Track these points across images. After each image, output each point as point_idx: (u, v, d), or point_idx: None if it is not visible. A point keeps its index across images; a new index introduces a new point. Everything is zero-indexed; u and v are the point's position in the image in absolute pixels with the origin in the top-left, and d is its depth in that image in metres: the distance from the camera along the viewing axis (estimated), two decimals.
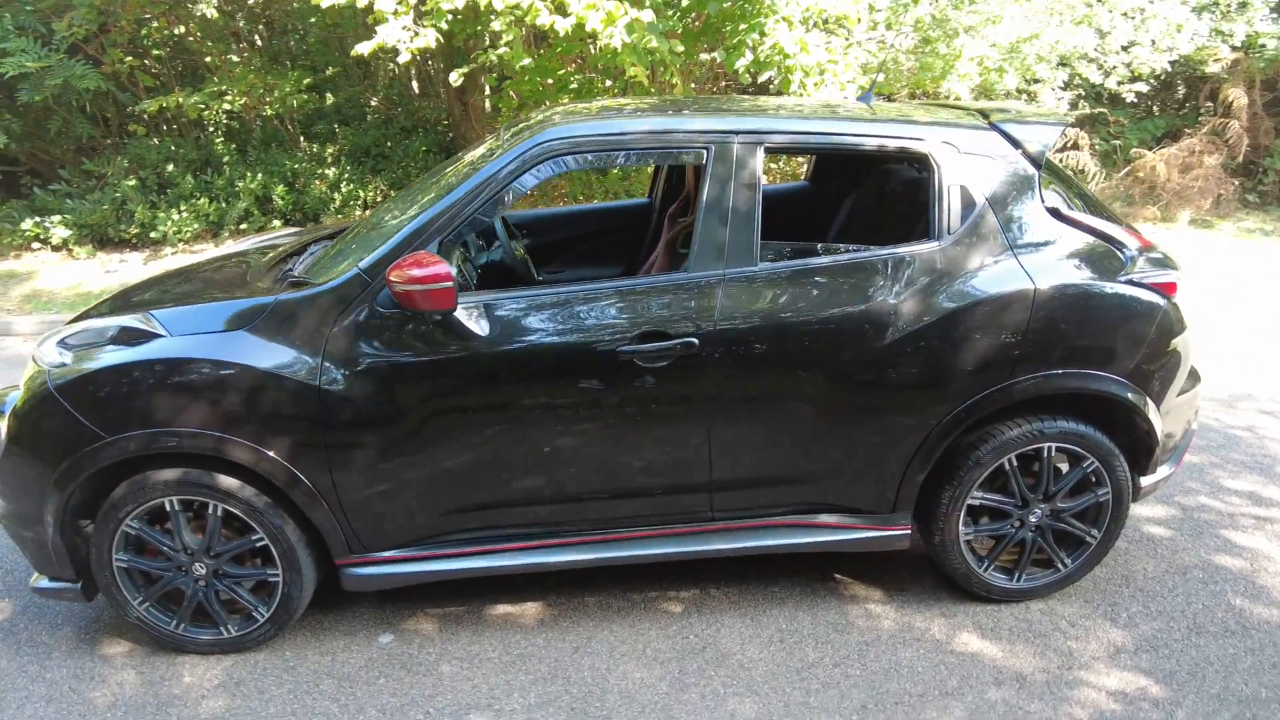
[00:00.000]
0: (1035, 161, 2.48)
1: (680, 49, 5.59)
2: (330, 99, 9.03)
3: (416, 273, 2.15)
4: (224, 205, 7.47)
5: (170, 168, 7.49)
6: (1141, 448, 2.62)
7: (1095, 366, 2.43)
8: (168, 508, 2.40)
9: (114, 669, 2.52)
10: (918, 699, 2.34)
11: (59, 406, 2.29)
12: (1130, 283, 2.44)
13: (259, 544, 2.44)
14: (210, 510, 2.40)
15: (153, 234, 7.18)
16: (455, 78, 5.86)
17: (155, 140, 7.81)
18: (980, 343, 2.39)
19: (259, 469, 2.34)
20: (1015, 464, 2.55)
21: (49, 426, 2.31)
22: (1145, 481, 2.69)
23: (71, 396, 2.29)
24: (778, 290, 2.39)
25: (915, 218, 2.57)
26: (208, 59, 7.67)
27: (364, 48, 5.17)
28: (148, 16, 7.25)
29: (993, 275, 2.40)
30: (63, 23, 6.49)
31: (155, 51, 8.24)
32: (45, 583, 2.50)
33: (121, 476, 2.40)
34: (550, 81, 7.39)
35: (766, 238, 2.42)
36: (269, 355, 2.31)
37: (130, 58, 7.16)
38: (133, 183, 7.25)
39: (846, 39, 5.99)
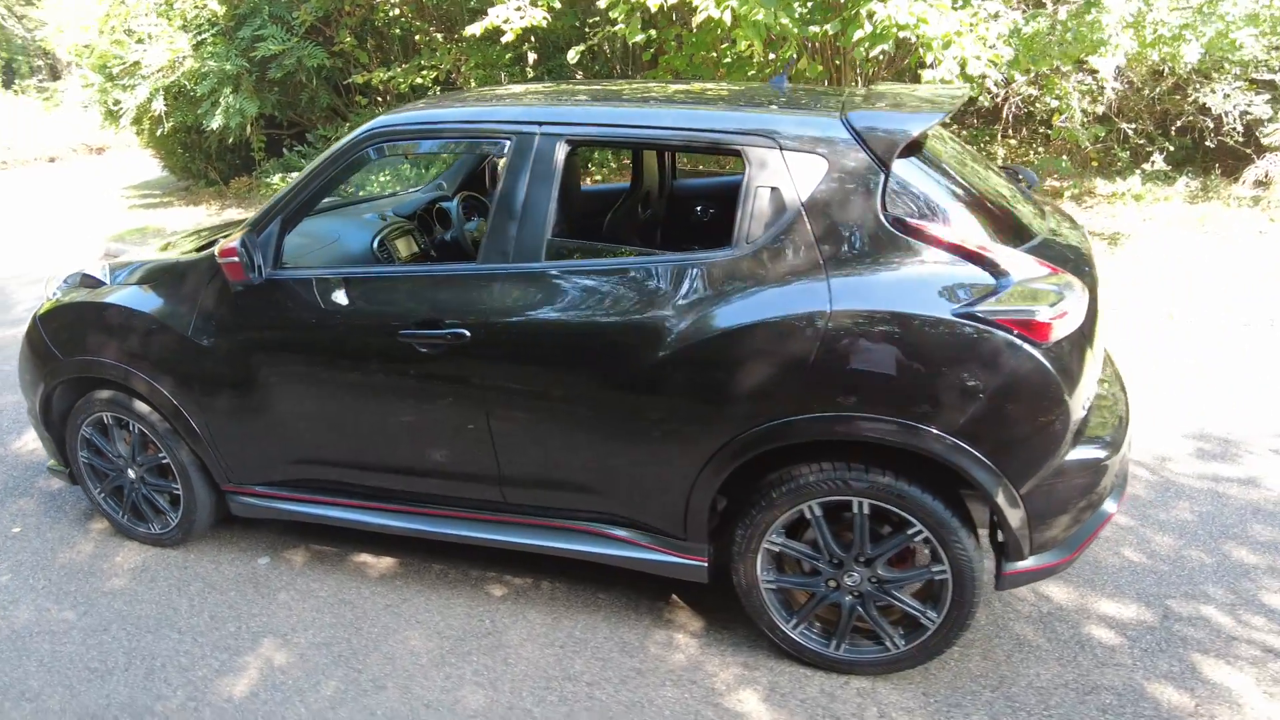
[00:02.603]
0: (881, 161, 2.07)
1: (784, 20, 5.21)
2: (530, 73, 9.76)
3: (224, 247, 2.44)
4: (423, 171, 8.52)
5: None
6: (994, 526, 2.11)
7: (907, 416, 2.00)
8: (105, 420, 2.99)
9: (86, 541, 3.22)
10: None
11: (39, 329, 2.96)
12: (969, 317, 1.96)
13: (164, 461, 2.95)
14: (130, 428, 2.95)
15: (361, 192, 8.43)
16: (573, 55, 6.06)
17: (378, 109, 9.08)
18: (758, 369, 2.09)
19: (153, 400, 2.82)
20: (820, 514, 2.21)
21: (35, 343, 2.99)
22: (1014, 568, 2.16)
23: (45, 323, 2.95)
24: (554, 290, 2.29)
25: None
26: (416, 37, 8.68)
27: (475, 28, 5.57)
28: (376, 1, 8.42)
29: (785, 294, 2.08)
30: (300, 11, 7.80)
31: (395, 31, 9.53)
32: (51, 464, 3.26)
33: (87, 389, 3.02)
34: (714, 55, 7.31)
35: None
36: (163, 307, 2.76)
37: (350, 38, 8.37)
38: None
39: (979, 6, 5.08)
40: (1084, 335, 2.07)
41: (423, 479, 2.63)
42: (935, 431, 1.99)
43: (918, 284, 2.02)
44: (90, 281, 2.97)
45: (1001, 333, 1.95)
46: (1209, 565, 2.77)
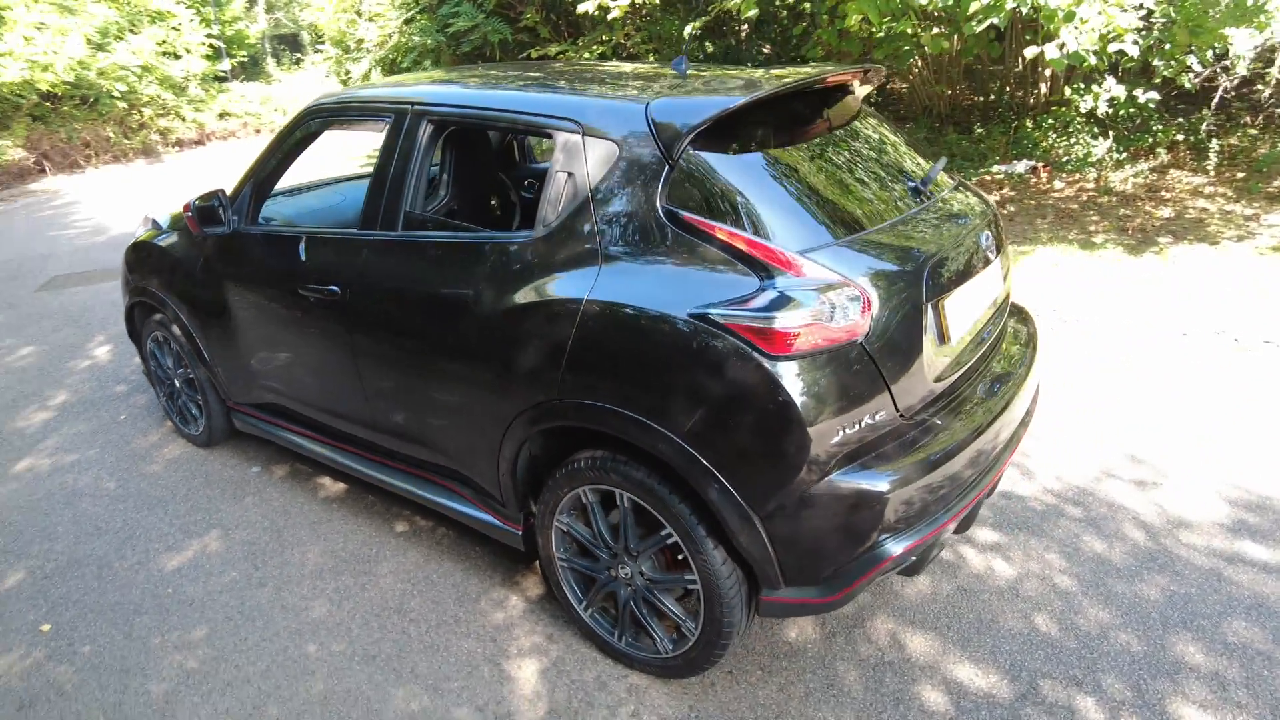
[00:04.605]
0: (666, 151, 1.99)
1: None
2: (711, 47, 9.76)
3: (186, 203, 2.94)
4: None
5: None
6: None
7: (643, 413, 1.95)
8: (159, 336, 3.71)
9: (156, 433, 4.02)
10: (390, 677, 2.36)
11: (125, 258, 3.75)
12: (702, 318, 1.85)
13: (192, 376, 3.61)
14: (171, 345, 3.64)
15: None
16: (689, 31, 6.03)
17: None
18: (533, 350, 2.14)
19: (178, 325, 3.46)
20: (594, 500, 2.21)
21: (124, 268, 3.79)
22: (772, 595, 2.01)
23: (130, 253, 3.73)
24: (401, 259, 2.48)
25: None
26: (593, 13, 9.06)
27: (587, 5, 5.77)
28: None
29: (562, 279, 2.09)
30: None
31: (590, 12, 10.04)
32: (143, 368, 4.10)
33: (151, 311, 3.75)
34: (862, 29, 6.90)
35: None
36: (186, 250, 3.37)
37: (534, 14, 8.96)
38: None
39: None
40: (863, 352, 1.86)
41: (330, 415, 2.99)
42: (663, 431, 1.92)
43: (671, 278, 1.93)
44: (155, 225, 3.69)
45: (732, 339, 1.82)
46: (1133, 654, 2.29)
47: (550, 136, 2.20)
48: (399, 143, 2.52)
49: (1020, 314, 2.79)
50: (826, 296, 1.82)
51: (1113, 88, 7.13)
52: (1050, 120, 7.68)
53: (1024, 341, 2.59)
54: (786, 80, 2.13)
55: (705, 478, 1.89)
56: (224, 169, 13.00)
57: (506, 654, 2.44)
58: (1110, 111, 7.48)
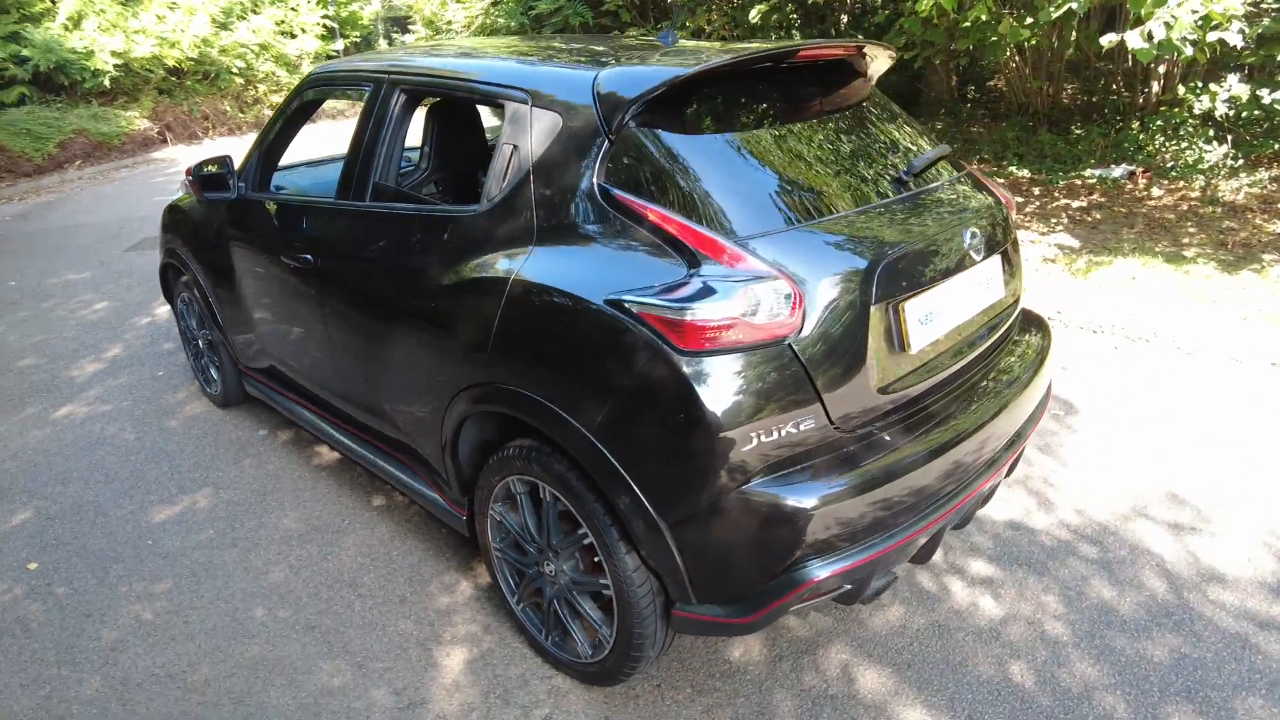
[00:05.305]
0: (606, 124, 1.86)
1: None
2: (799, 36, 9.43)
3: (188, 168, 3.00)
4: None
5: None
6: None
7: (557, 402, 1.83)
8: (185, 298, 3.85)
9: (185, 391, 4.18)
10: (323, 649, 2.33)
11: (161, 219, 3.91)
12: (617, 306, 1.71)
13: (211, 338, 3.73)
14: (193, 306, 3.77)
15: None
16: (754, 15, 5.80)
17: None
18: (466, 329, 2.06)
19: (196, 286, 3.57)
20: (523, 490, 2.11)
21: (160, 228, 3.94)
22: (685, 610, 1.85)
23: (166, 214, 3.87)
24: (363, 229, 2.45)
25: None
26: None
27: None
28: None
29: (497, 256, 2.00)
30: None
31: None
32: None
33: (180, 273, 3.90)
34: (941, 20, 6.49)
35: None
36: (207, 216, 3.46)
37: None
38: None
39: None
40: (791, 354, 1.68)
41: (313, 384, 3.01)
42: (574, 424, 1.79)
43: (598, 261, 1.81)
44: (186, 187, 3.82)
45: (643, 329, 1.67)
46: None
47: (502, 107, 2.10)
48: (373, 112, 2.48)
49: (1036, 325, 2.50)
50: (751, 289, 1.65)
51: (1234, 86, 6.44)
52: (1159, 122, 7.00)
53: (1030, 356, 2.31)
54: (749, 51, 1.95)
55: (612, 478, 1.76)
56: (323, 143, 13.59)
57: (440, 640, 2.38)
58: (1230, 113, 6.77)
